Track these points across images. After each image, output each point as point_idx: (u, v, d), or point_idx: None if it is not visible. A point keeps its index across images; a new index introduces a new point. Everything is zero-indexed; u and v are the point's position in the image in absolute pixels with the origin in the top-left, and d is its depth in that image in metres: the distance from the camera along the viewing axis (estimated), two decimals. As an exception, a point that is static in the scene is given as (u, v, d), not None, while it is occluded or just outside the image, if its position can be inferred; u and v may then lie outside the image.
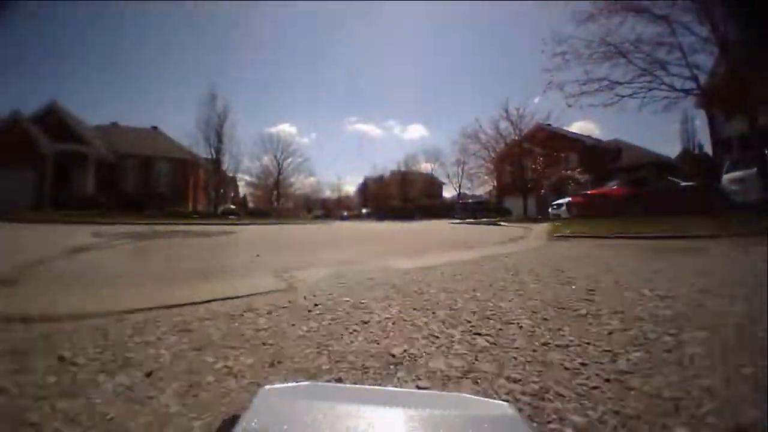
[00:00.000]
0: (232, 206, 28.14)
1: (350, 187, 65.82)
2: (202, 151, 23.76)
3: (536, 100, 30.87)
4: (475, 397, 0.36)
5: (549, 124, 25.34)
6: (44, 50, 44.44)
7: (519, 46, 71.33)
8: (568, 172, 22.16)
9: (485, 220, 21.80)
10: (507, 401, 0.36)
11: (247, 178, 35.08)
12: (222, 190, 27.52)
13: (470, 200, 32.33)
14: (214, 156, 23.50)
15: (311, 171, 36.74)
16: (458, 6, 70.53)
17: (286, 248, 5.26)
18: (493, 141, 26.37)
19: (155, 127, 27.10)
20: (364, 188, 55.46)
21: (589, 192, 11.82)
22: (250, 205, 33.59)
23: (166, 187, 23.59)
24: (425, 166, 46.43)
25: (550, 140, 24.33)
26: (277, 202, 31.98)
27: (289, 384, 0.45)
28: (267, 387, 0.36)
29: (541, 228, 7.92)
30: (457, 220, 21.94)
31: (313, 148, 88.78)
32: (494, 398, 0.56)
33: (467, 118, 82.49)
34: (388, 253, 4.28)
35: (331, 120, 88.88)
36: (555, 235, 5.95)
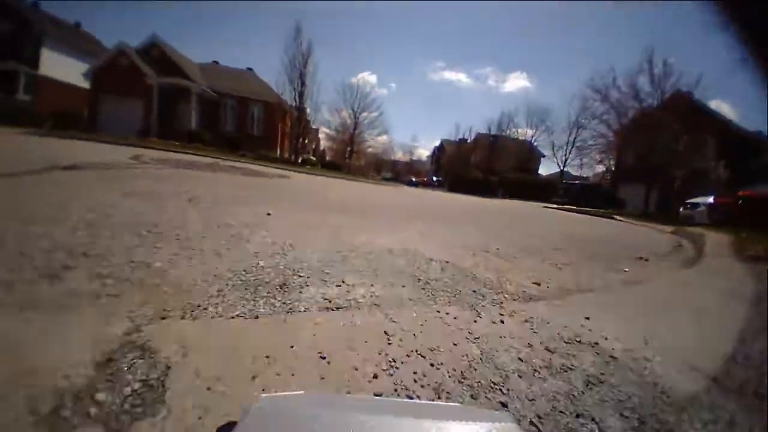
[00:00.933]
0: (313, 157, 28.09)
1: (424, 151, 61.71)
2: (289, 97, 23.23)
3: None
4: (474, 408, 0.36)
5: (690, 93, 18.20)
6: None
7: None
8: (714, 162, 16.55)
9: (590, 209, 17.37)
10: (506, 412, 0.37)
11: (326, 130, 34.54)
12: (304, 140, 27.54)
13: (576, 182, 26.48)
14: (298, 102, 22.60)
15: (385, 128, 33.82)
16: None
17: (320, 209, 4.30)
18: (626, 103, 19.83)
19: (250, 69, 27.68)
20: (440, 152, 50.89)
21: (747, 194, 8.32)
22: (328, 158, 33.39)
23: (259, 129, 24.26)
24: (522, 132, 39.31)
25: (692, 115, 17.50)
26: (350, 158, 30.85)
27: (286, 393, 0.45)
28: (264, 396, 0.35)
29: (696, 236, 5.08)
30: (555, 205, 17.90)
31: (391, 101, 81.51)
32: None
33: (584, 70, 66.13)
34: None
35: (415, 66, 79.42)
36: (748, 254, 3.74)
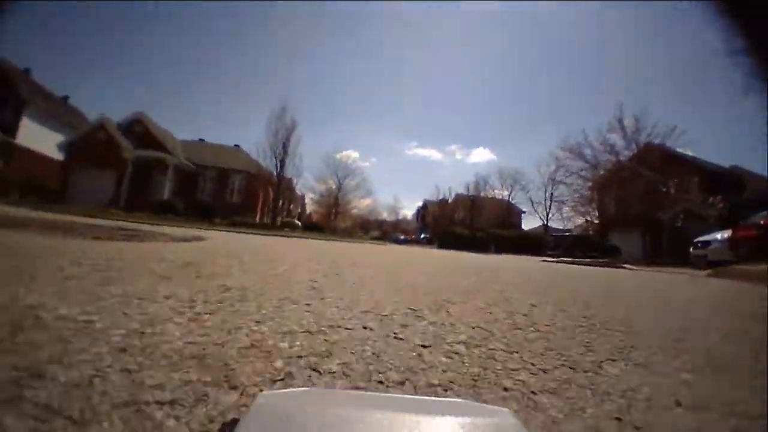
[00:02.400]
0: (297, 221, 27.26)
1: (407, 211, 63.39)
2: (272, 166, 23.84)
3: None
4: (475, 403, 0.36)
5: (661, 144, 19.31)
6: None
7: (602, 57, 63.00)
8: (712, 199, 16.17)
9: (591, 261, 16.61)
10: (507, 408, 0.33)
11: (312, 195, 34.77)
12: (288, 205, 27.10)
13: (566, 233, 26.24)
14: (278, 168, 23.11)
15: (368, 190, 34.38)
16: (523, 21, 66.50)
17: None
18: (601, 158, 20.63)
19: (237, 146, 28.18)
20: (424, 211, 51.85)
21: None
22: (315, 221, 32.87)
23: (238, 198, 23.71)
24: (499, 192, 40.92)
25: (668, 163, 18.23)
26: (335, 218, 30.36)
27: (288, 389, 0.45)
28: (266, 392, 0.35)
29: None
30: (550, 258, 17.09)
31: (373, 172, 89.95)
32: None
33: (543, 141, 74.37)
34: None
35: (392, 145, 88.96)
36: None
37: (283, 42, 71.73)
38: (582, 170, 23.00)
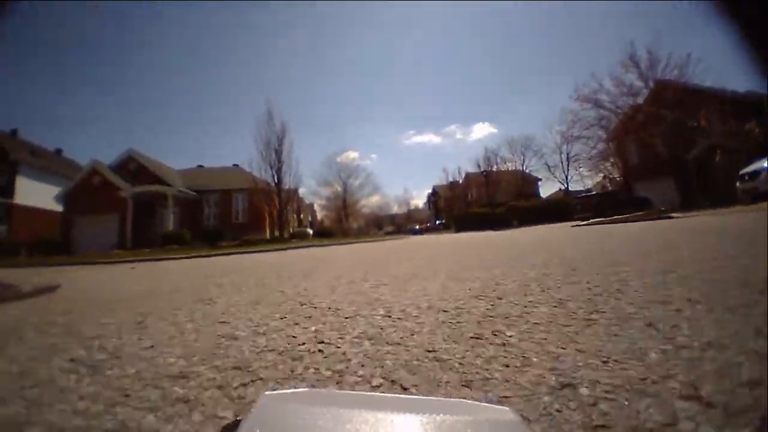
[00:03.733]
0: (309, 229, 26.50)
1: (418, 201, 62.07)
2: (269, 178, 22.60)
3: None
4: (476, 403, 0.35)
5: (673, 79, 17.23)
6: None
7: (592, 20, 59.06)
8: (748, 126, 14.07)
9: (621, 216, 15.06)
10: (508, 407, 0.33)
11: (319, 201, 34.05)
12: (297, 214, 26.41)
13: (593, 193, 24.39)
14: (275, 178, 21.77)
15: (375, 186, 33.25)
16: None
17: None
18: (619, 101, 18.65)
19: (236, 165, 27.53)
20: (435, 197, 50.36)
21: None
22: (326, 226, 32.14)
23: (245, 217, 23.15)
24: (511, 162, 38.72)
25: (685, 97, 16.24)
26: (346, 221, 29.50)
27: (291, 390, 0.45)
28: (268, 393, 0.35)
29: None
30: (583, 222, 15.60)
31: (376, 168, 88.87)
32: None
33: (541, 106, 70.95)
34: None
35: (389, 138, 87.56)
36: None
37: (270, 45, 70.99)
38: (602, 119, 20.79)
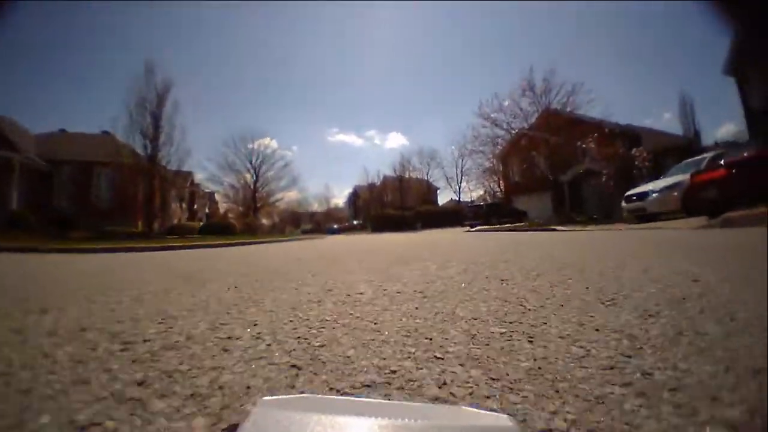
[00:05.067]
0: (198, 222, 21.17)
1: (339, 200, 60.07)
2: (144, 151, 16.61)
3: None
4: (474, 409, 0.33)
5: (559, 109, 19.44)
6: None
7: (501, 49, 67.68)
8: (635, 150, 15.09)
9: (506, 225, 16.29)
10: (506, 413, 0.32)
11: (214, 188, 27.96)
12: (184, 203, 21.01)
13: (482, 203, 26.40)
14: (149, 150, 15.84)
15: (294, 178, 28.95)
16: (434, 9, 67.49)
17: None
18: (514, 123, 20.00)
19: (107, 132, 20.52)
20: (354, 198, 49.38)
21: (738, 160, 6.05)
22: (231, 219, 26.99)
23: (109, 200, 17.35)
24: (417, 173, 40.75)
25: (569, 126, 18.45)
26: (254, 215, 24.74)
27: (287, 396, 0.42)
28: (265, 398, 0.34)
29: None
30: (473, 228, 16.36)
31: (296, 161, 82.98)
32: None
33: (445, 124, 78.06)
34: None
35: (312, 132, 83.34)
36: None
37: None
38: (497, 137, 22.10)
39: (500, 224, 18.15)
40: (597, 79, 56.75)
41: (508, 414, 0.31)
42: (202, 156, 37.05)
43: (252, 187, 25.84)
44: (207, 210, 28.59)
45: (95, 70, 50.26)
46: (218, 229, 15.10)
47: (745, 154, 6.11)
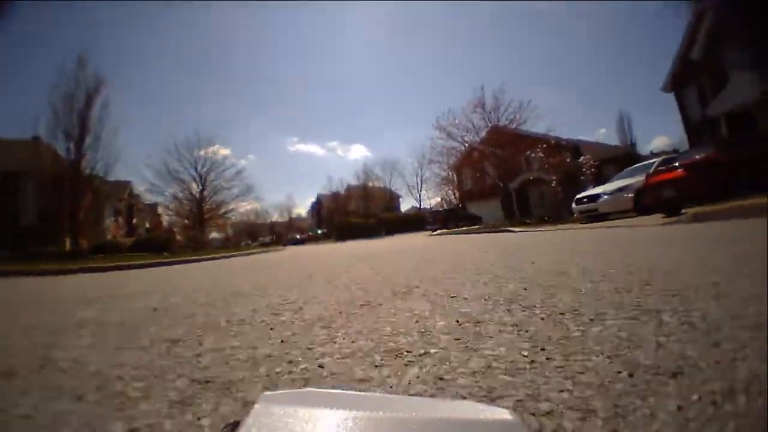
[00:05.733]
0: (126, 240, 17.70)
1: (301, 209, 57.77)
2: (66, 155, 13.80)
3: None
4: (476, 404, 0.32)
5: (505, 126, 21.10)
6: None
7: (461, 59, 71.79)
8: (582, 159, 16.39)
9: (464, 228, 17.01)
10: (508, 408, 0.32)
11: (157, 199, 24.49)
12: (119, 217, 18.20)
13: (440, 209, 27.41)
14: (72, 155, 13.23)
15: (248, 187, 25.92)
16: (399, 19, 69.94)
17: None
18: (466, 136, 21.25)
19: (37, 137, 16.89)
20: (318, 206, 48.01)
21: (691, 161, 6.53)
22: (177, 235, 23.95)
23: (36, 216, 14.46)
24: (380, 181, 41.20)
25: (514, 140, 20.20)
26: (200, 229, 21.81)
27: (290, 390, 0.45)
28: (267, 393, 0.33)
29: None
30: (435, 232, 16.86)
31: (253, 170, 77.94)
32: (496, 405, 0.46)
33: (406, 137, 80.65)
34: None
35: (271, 141, 79.86)
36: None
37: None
38: (452, 148, 23.22)
39: (457, 227, 19.01)
40: (540, 98, 62.64)
41: (510, 409, 0.31)
42: (141, 163, 32.70)
43: (198, 196, 23.00)
44: (147, 224, 25.15)
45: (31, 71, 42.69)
46: (153, 246, 13.02)
47: (697, 157, 6.67)
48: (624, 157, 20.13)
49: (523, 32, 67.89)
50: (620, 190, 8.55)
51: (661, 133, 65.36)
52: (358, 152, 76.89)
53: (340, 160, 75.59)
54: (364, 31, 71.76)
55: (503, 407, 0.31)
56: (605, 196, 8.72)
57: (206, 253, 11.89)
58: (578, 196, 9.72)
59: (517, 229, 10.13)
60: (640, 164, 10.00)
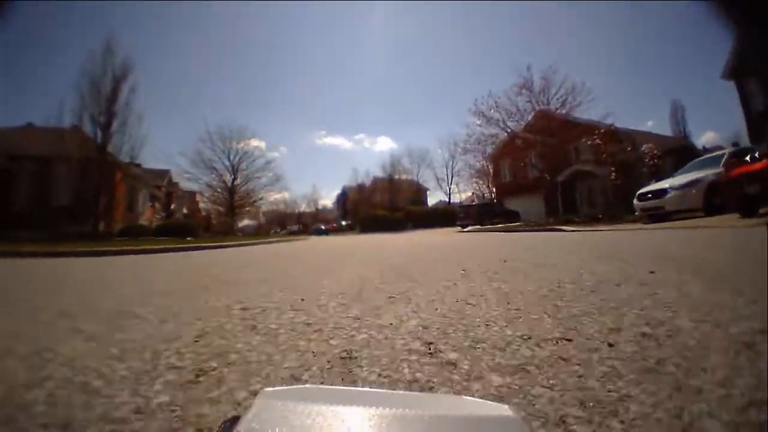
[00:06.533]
0: (150, 224, 17.93)
1: (327, 201, 57.91)
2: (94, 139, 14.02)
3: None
4: (475, 399, 0.32)
5: (552, 110, 17.79)
6: None
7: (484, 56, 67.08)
8: (645, 147, 13.60)
9: (500, 226, 14.95)
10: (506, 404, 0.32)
11: (197, 188, 25.19)
12: (157, 202, 18.69)
13: (473, 203, 25.03)
14: (100, 139, 13.07)
15: (277, 176, 25.93)
16: (426, 11, 66.59)
17: None
18: (509, 122, 18.26)
19: (77, 126, 17.96)
20: (344, 198, 47.47)
21: None
22: (213, 221, 24.49)
23: (70, 197, 15.01)
24: (407, 173, 39.30)
25: (562, 127, 17.13)
26: (233, 216, 22.13)
27: (290, 386, 0.41)
28: (267, 389, 0.32)
29: None
30: (466, 228, 14.97)
31: (284, 162, 79.78)
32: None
33: (436, 129, 77.26)
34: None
35: (300, 134, 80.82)
36: None
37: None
38: (491, 136, 19.83)
39: (492, 224, 16.86)
40: (588, 82, 56.37)
41: (509, 405, 0.30)
42: (177, 152, 34.04)
43: (230, 185, 23.21)
44: (185, 210, 25.94)
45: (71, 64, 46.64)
46: (176, 230, 12.56)
47: None
48: (681, 150, 16.61)
49: (560, 20, 60.98)
50: (690, 184, 6.85)
51: (709, 129, 57.72)
52: (385, 144, 75.36)
53: (366, 152, 74.68)
54: (392, 26, 69.23)
55: (503, 404, 0.30)
56: (673, 192, 7.01)
57: (230, 240, 11.18)
58: (641, 191, 8.00)
59: (569, 228, 8.14)
60: (707, 156, 8.31)
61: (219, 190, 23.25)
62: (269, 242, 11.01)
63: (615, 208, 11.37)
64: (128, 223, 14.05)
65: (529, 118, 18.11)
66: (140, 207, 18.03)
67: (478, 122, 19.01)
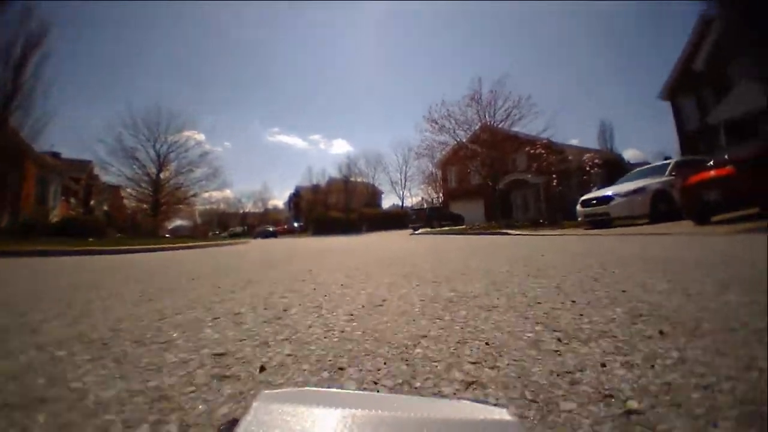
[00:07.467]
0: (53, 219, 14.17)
1: (278, 201, 54.28)
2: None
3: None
4: (474, 403, 0.31)
5: (495, 125, 19.28)
6: None
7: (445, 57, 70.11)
8: (586, 157, 14.64)
9: (445, 228, 15.61)
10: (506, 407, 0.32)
11: (127, 188, 20.97)
12: (66, 197, 15.12)
13: (424, 207, 25.77)
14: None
15: (215, 172, 22.18)
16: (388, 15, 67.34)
17: None
18: (458, 131, 19.03)
19: None
20: (297, 198, 45.05)
21: (743, 158, 5.03)
22: (135, 221, 20.61)
23: None
24: (364, 173, 39.05)
25: (502, 140, 18.65)
26: (159, 215, 18.50)
27: (289, 389, 0.40)
28: (266, 392, 0.32)
29: None
30: (418, 231, 15.26)
31: (228, 158, 72.47)
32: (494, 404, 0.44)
33: (388, 134, 78.59)
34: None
35: (250, 129, 75.20)
36: None
37: None
38: (442, 143, 20.41)
39: (440, 227, 17.52)
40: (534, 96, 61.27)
41: (508, 408, 0.29)
42: (96, 139, 28.19)
43: (154, 180, 19.43)
44: (106, 207, 21.51)
45: None
46: (79, 229, 10.06)
47: (748, 152, 5.25)
48: (613, 162, 19.36)
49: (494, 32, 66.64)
50: (636, 191, 7.15)
51: (629, 146, 67.15)
52: (341, 147, 74.07)
53: (322, 153, 72.49)
54: (359, 29, 68.79)
55: (503, 408, 0.29)
56: (619, 198, 7.26)
57: (143, 243, 8.72)
58: (584, 198, 8.21)
59: (513, 231, 8.65)
60: (649, 165, 9.03)
61: (143, 184, 19.42)
62: (185, 247, 8.82)
63: (554, 213, 12.21)
64: (33, 218, 10.92)
65: (477, 128, 19.23)
66: (51, 201, 14.45)
67: (430, 129, 19.59)
